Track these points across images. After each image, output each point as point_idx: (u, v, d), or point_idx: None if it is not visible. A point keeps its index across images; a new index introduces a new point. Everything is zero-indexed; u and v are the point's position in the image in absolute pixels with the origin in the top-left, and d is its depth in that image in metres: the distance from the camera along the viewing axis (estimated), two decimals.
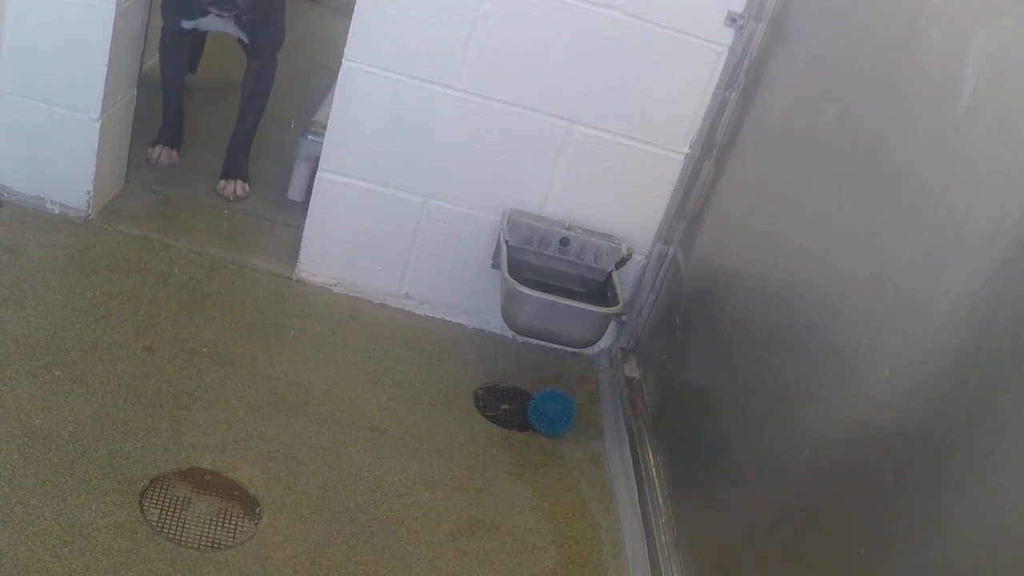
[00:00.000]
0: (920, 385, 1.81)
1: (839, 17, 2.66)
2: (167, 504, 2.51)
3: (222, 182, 3.95)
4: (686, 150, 3.36)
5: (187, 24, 3.82)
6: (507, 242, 3.38)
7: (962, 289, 1.76)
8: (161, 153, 4.02)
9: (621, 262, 3.45)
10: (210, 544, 2.45)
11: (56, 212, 3.48)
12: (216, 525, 2.51)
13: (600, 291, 3.45)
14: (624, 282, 3.49)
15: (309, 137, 3.91)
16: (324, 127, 3.44)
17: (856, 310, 2.07)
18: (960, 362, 1.72)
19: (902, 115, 2.12)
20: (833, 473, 2.02)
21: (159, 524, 2.45)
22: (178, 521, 2.48)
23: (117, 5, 3.21)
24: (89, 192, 3.44)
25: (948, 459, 1.67)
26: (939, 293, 1.81)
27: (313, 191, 3.48)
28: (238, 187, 3.96)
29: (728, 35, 3.21)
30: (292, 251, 3.60)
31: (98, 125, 3.35)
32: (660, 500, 2.81)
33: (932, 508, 1.67)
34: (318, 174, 3.44)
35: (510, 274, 3.20)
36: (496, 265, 3.49)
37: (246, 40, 3.90)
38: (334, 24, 6.01)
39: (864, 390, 1.97)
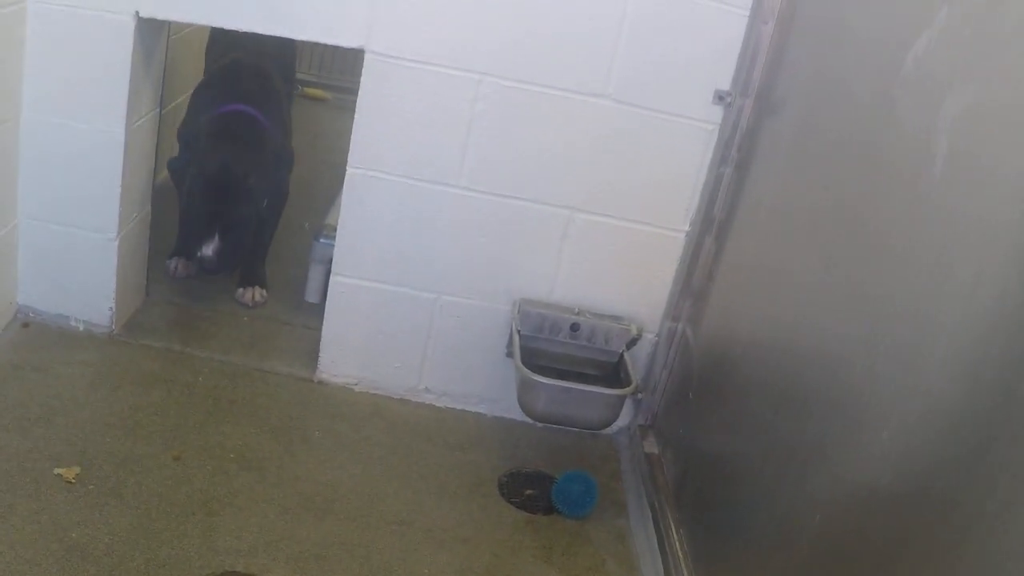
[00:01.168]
0: (917, 443, 1.85)
1: (821, 88, 2.74)
2: None
3: (240, 289, 4.06)
4: (686, 228, 3.44)
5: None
6: (519, 331, 3.45)
7: (948, 344, 1.81)
8: (178, 265, 4.13)
9: (632, 342, 3.52)
10: None
11: (81, 329, 3.58)
12: None
13: (613, 372, 3.51)
14: (637, 360, 3.55)
15: (322, 240, 4.00)
16: (335, 229, 3.54)
17: (853, 372, 2.13)
18: (951, 417, 1.77)
19: (883, 180, 2.19)
20: (844, 536, 2.06)
21: None
22: None
23: (127, 128, 3.33)
24: (111, 308, 3.55)
25: (945, 517, 1.71)
26: (927, 350, 1.87)
27: (328, 294, 3.58)
28: (256, 293, 4.07)
29: (717, 113, 3.30)
30: (312, 353, 3.68)
31: (116, 244, 3.46)
32: (684, 572, 2.85)
33: (935, 566, 1.71)
34: (332, 277, 3.54)
35: (524, 362, 3.27)
36: (510, 354, 3.56)
37: None
38: (342, 121, 6.09)
39: (867, 452, 2.01)
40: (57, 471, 2.88)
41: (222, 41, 4.46)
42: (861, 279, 2.19)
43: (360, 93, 3.28)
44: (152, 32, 3.38)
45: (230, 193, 3.75)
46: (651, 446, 3.48)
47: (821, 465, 2.20)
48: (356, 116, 3.31)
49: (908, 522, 1.82)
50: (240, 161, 3.78)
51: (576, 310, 3.51)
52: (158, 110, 3.64)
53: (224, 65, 4.21)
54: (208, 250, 3.71)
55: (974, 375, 1.72)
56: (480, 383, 3.67)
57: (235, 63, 4.19)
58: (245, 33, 3.30)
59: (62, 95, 3.28)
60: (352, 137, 3.34)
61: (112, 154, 3.34)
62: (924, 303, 1.92)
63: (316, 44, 3.34)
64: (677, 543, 2.96)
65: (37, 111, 3.29)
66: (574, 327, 3.49)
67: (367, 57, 3.24)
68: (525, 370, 3.22)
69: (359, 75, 3.27)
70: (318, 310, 3.81)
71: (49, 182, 3.39)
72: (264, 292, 4.10)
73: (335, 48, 3.35)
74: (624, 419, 3.63)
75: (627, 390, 3.30)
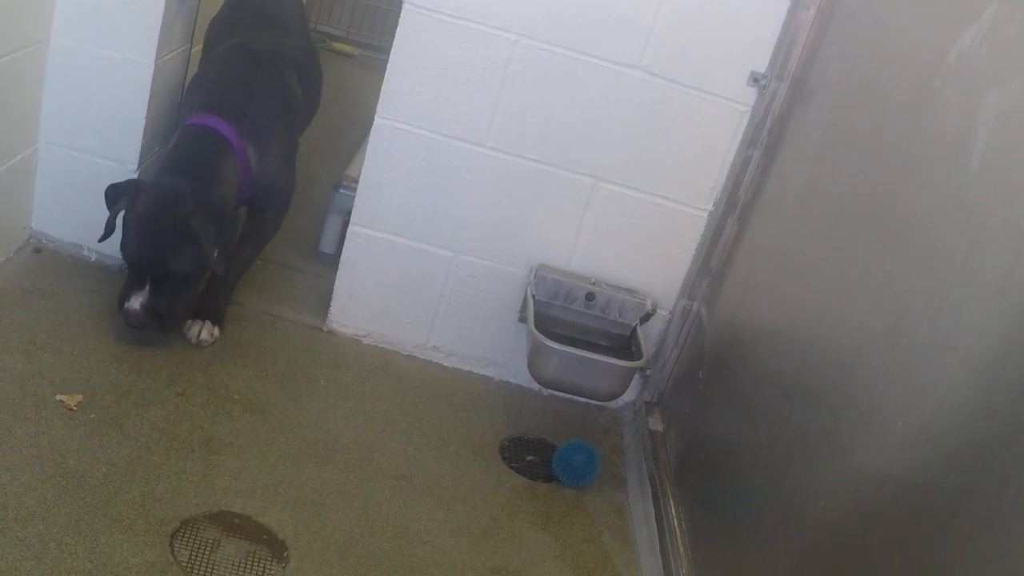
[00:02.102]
0: (932, 437, 1.84)
1: (857, 77, 2.72)
2: (197, 546, 2.57)
3: (189, 321, 3.37)
4: (710, 207, 3.42)
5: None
6: (534, 296, 3.44)
7: (971, 344, 1.80)
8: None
9: (646, 317, 3.50)
10: None
11: (93, 259, 3.57)
12: (244, 568, 2.56)
13: (625, 345, 3.50)
14: (648, 336, 3.54)
15: (341, 191, 3.98)
16: (356, 181, 3.52)
17: (871, 364, 2.11)
18: (969, 414, 1.76)
19: (915, 173, 2.18)
20: (849, 523, 2.05)
21: (189, 565, 2.50)
22: (207, 563, 2.53)
23: (156, 59, 3.31)
24: None
25: (958, 510, 1.70)
26: (949, 348, 1.86)
27: (345, 244, 3.56)
28: (204, 330, 3.37)
29: (751, 95, 3.28)
30: (323, 302, 3.67)
31: (136, 176, 3.44)
32: (681, 551, 2.84)
33: (943, 558, 1.70)
34: (350, 227, 3.52)
35: (536, 328, 3.25)
36: (523, 319, 3.55)
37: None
38: (367, 80, 6.09)
39: (878, 442, 2.01)
40: (59, 397, 2.87)
41: (229, 18, 3.98)
42: (885, 271, 2.17)
43: (395, 44, 3.26)
44: None
45: (165, 237, 3.13)
46: (656, 423, 3.47)
47: (829, 453, 2.19)
48: (388, 67, 3.29)
49: (917, 513, 1.81)
50: (183, 197, 3.15)
51: (592, 280, 3.50)
52: (188, 45, 3.61)
53: (220, 55, 3.67)
54: (135, 303, 3.12)
55: (995, 373, 1.70)
56: (489, 346, 3.65)
57: (236, 53, 3.65)
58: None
59: (93, 21, 3.26)
60: (383, 87, 3.31)
61: (139, 85, 3.32)
62: (949, 300, 1.90)
63: None
64: (676, 521, 2.96)
65: (67, 36, 3.27)
66: (589, 297, 3.47)
67: (405, 7, 3.22)
68: (538, 334, 3.20)
69: (387, 33, 3.25)
70: (332, 260, 3.79)
71: (73, 108, 3.37)
72: (216, 331, 3.40)
73: (365, 4, 3.30)
74: (630, 394, 3.62)
75: (638, 363, 3.29)
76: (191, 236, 3.13)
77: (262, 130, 3.46)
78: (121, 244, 3.19)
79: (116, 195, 3.22)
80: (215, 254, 3.17)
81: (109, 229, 3.22)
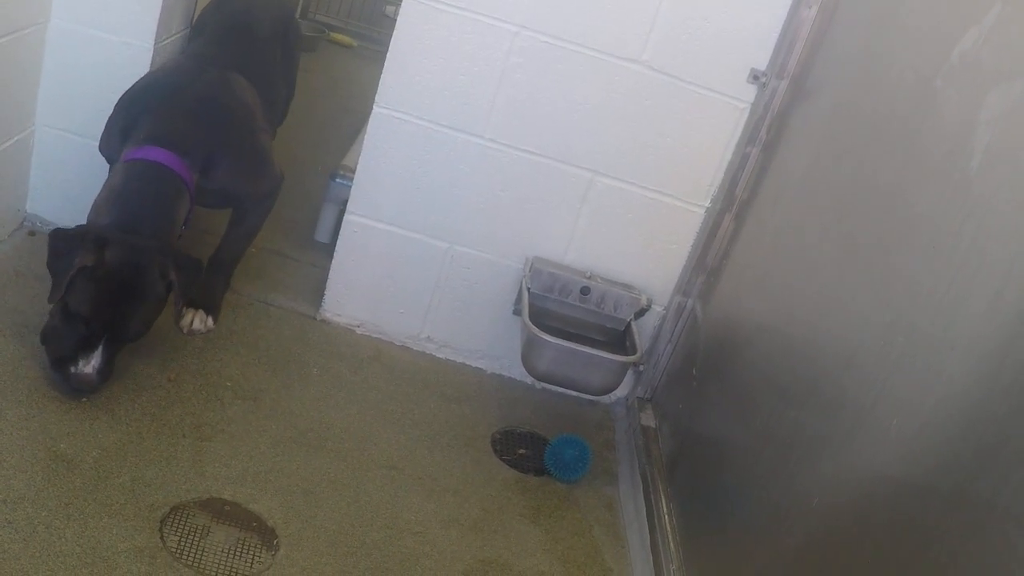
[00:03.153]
0: (927, 437, 1.84)
1: (858, 77, 2.72)
2: (187, 532, 2.56)
3: (183, 308, 3.28)
4: (707, 204, 3.42)
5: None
6: (529, 289, 3.43)
7: (968, 343, 1.80)
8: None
9: (640, 312, 3.50)
10: (228, 573, 2.49)
11: None
12: (234, 555, 2.55)
13: (619, 340, 3.49)
14: (643, 332, 3.53)
15: (338, 180, 3.97)
16: (352, 171, 3.51)
17: (866, 363, 2.11)
18: (965, 414, 1.75)
19: (916, 173, 2.17)
20: (842, 521, 2.05)
21: (178, 551, 2.49)
22: (197, 549, 2.52)
23: (155, 43, 3.30)
24: None
25: (953, 509, 1.70)
26: (946, 347, 1.86)
27: (340, 233, 3.55)
28: (197, 319, 3.32)
29: (751, 92, 3.27)
30: (317, 291, 3.66)
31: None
32: (672, 547, 2.84)
33: (937, 558, 1.70)
34: (345, 216, 3.51)
35: (531, 321, 3.25)
36: (517, 312, 3.54)
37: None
38: (364, 70, 6.10)
39: (872, 440, 2.00)
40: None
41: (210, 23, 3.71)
42: (883, 270, 2.17)
43: (395, 33, 3.25)
44: None
45: (134, 296, 2.87)
46: (648, 419, 3.46)
47: (823, 451, 2.19)
48: (388, 56, 3.28)
49: (910, 513, 1.81)
50: (150, 251, 2.89)
51: (588, 274, 3.49)
52: (187, 30, 3.60)
53: (155, 73, 3.34)
54: (86, 367, 2.82)
55: (995, 369, 1.70)
56: (483, 338, 3.65)
57: (173, 69, 3.35)
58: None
59: (93, 4, 3.25)
60: (382, 76, 3.30)
61: (138, 69, 3.31)
62: (947, 299, 1.89)
63: None
64: (666, 516, 2.95)
65: (66, 18, 3.26)
66: (584, 291, 3.47)
67: None
68: (533, 327, 3.20)
69: (386, 24, 3.24)
70: (327, 250, 3.79)
71: (71, 91, 3.36)
72: (210, 320, 3.35)
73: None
74: (623, 389, 3.61)
75: (632, 358, 3.29)
76: (161, 293, 2.92)
77: (211, 151, 3.16)
78: (72, 300, 2.83)
79: (69, 247, 2.84)
80: (180, 304, 3.01)
81: (60, 290, 2.81)
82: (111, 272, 2.82)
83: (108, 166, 3.22)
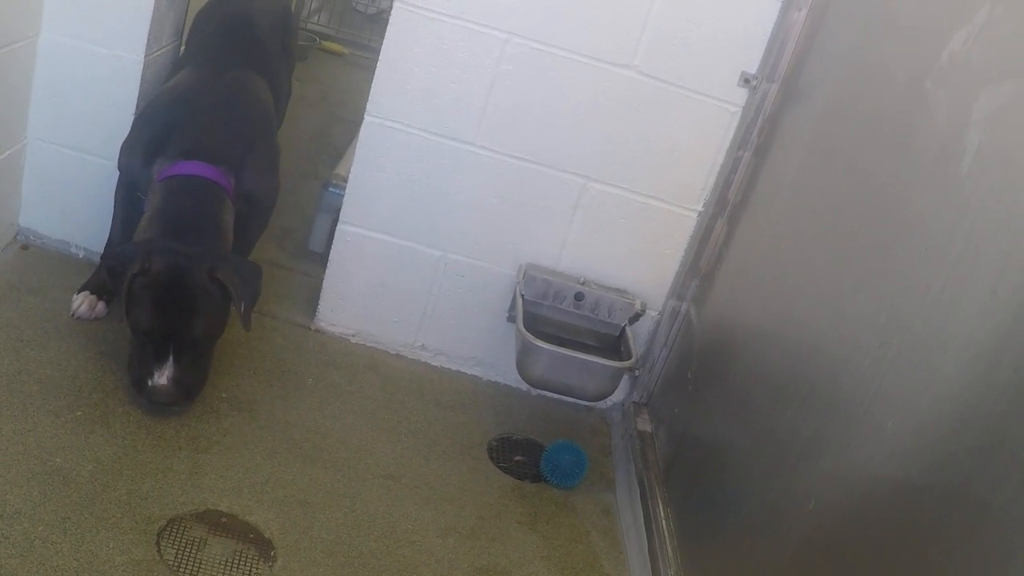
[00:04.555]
0: (922, 438, 1.84)
1: (849, 78, 2.72)
2: (183, 544, 2.55)
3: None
4: (699, 208, 3.42)
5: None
6: (523, 296, 3.43)
7: (963, 345, 1.80)
8: (83, 303, 3.29)
9: (635, 317, 3.50)
10: None
11: (81, 256, 3.55)
12: (231, 567, 2.54)
13: (614, 345, 3.49)
14: (637, 337, 3.53)
15: (330, 189, 3.97)
16: (345, 180, 3.51)
17: (861, 365, 2.11)
18: (961, 415, 1.75)
19: (907, 175, 2.18)
20: (838, 524, 2.05)
21: (175, 564, 2.49)
22: (194, 561, 2.51)
23: (145, 56, 3.29)
24: None
25: (949, 511, 1.70)
26: (941, 349, 1.86)
27: (333, 243, 3.55)
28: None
29: (742, 95, 3.28)
30: (311, 301, 3.66)
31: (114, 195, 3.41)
32: (670, 552, 2.84)
33: (933, 560, 1.70)
34: (339, 226, 3.51)
35: (525, 328, 3.25)
36: (512, 318, 3.54)
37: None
38: (356, 78, 6.11)
39: (868, 443, 2.00)
40: None
41: (205, 28, 3.68)
42: (879, 268, 2.17)
43: (385, 42, 3.25)
44: None
45: (189, 300, 2.89)
46: (644, 424, 3.46)
47: (819, 453, 2.19)
48: (379, 65, 3.28)
49: (906, 514, 1.81)
50: (200, 255, 2.91)
51: (582, 280, 3.49)
52: (177, 42, 3.60)
53: (179, 85, 3.34)
54: (162, 378, 2.89)
55: (990, 370, 1.70)
56: (478, 346, 3.64)
57: (196, 78, 3.35)
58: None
59: (83, 17, 3.24)
60: (373, 85, 3.30)
61: (128, 81, 3.31)
62: (941, 301, 1.90)
63: None
64: (664, 521, 2.95)
65: (56, 31, 3.25)
66: (578, 296, 3.47)
67: (395, 5, 3.21)
68: (527, 334, 3.20)
69: (377, 32, 3.24)
70: (320, 259, 3.79)
71: (62, 104, 3.36)
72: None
73: (355, 4, 3.28)
74: (619, 395, 3.61)
75: (627, 363, 3.28)
76: (216, 295, 2.91)
77: (241, 154, 3.20)
78: (132, 316, 2.89)
79: (123, 262, 2.88)
80: (243, 307, 2.95)
81: (123, 305, 2.88)
82: (158, 279, 2.85)
83: (102, 182, 3.22)
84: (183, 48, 3.71)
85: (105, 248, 3.37)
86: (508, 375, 3.64)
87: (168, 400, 2.91)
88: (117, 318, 3.24)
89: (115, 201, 3.34)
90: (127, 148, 3.23)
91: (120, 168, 3.27)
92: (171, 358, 2.89)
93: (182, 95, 3.27)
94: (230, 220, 3.13)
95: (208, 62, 3.42)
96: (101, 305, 3.30)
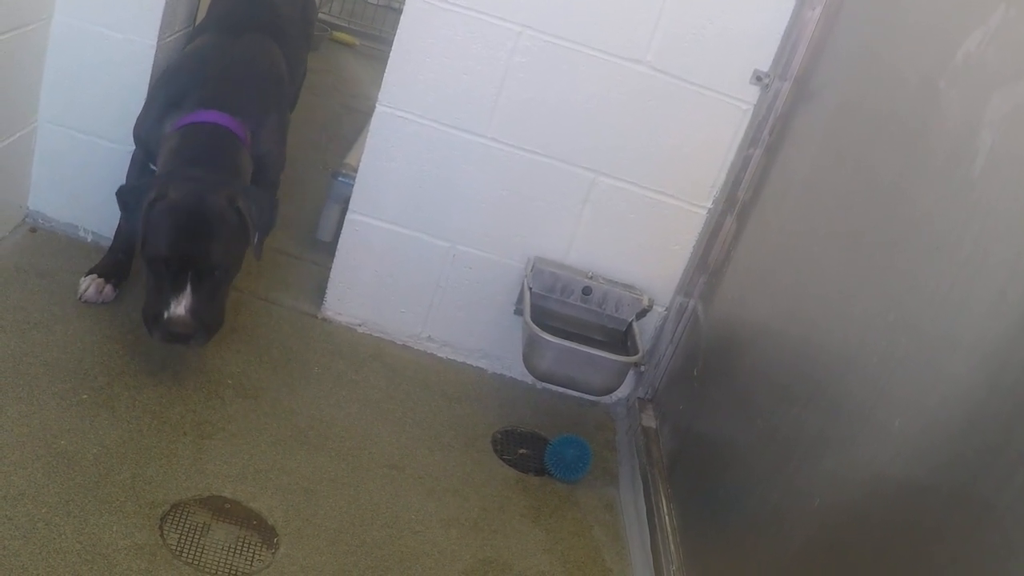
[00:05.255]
0: (929, 437, 1.84)
1: (862, 78, 2.71)
2: (187, 529, 2.55)
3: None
4: (709, 205, 3.42)
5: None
6: (531, 289, 3.43)
7: (972, 343, 1.79)
8: (90, 286, 3.27)
9: (642, 313, 3.50)
10: (228, 571, 2.49)
11: (89, 240, 3.55)
12: (234, 552, 2.54)
13: (620, 340, 3.49)
14: (644, 332, 3.53)
15: (340, 179, 3.97)
16: (355, 169, 3.51)
17: (870, 362, 2.11)
18: (968, 414, 1.75)
19: (919, 174, 2.17)
20: (844, 522, 2.04)
21: (178, 548, 2.49)
22: (197, 546, 2.52)
23: (158, 40, 3.29)
24: None
25: (954, 510, 1.70)
26: (949, 347, 1.85)
27: (342, 232, 3.55)
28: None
29: (753, 93, 3.27)
30: (319, 290, 3.66)
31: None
32: (672, 548, 2.84)
33: (939, 559, 1.70)
34: (348, 215, 3.51)
35: (532, 321, 3.25)
36: (519, 311, 3.54)
37: None
38: (367, 69, 6.11)
39: (874, 441, 2.00)
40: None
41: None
42: (888, 268, 2.17)
43: (398, 32, 3.24)
44: None
45: (208, 226, 2.86)
46: (649, 419, 3.46)
47: (825, 451, 2.19)
48: (391, 55, 3.27)
49: (912, 513, 1.81)
50: (219, 183, 2.93)
51: (590, 274, 3.49)
52: (191, 27, 3.59)
53: (203, 45, 3.38)
54: (179, 308, 2.83)
55: (998, 370, 1.70)
56: (484, 338, 3.64)
57: (219, 38, 3.39)
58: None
59: (96, 1, 3.24)
60: (385, 75, 3.30)
61: (140, 66, 3.30)
62: (953, 295, 1.89)
63: None
64: (667, 517, 2.95)
65: (69, 14, 3.25)
66: (586, 291, 3.47)
67: None
68: (534, 327, 3.20)
69: (388, 23, 3.23)
70: (329, 248, 3.78)
71: (73, 88, 3.35)
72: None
73: None
74: (624, 390, 3.61)
75: (633, 358, 3.28)
76: (234, 221, 2.89)
77: (257, 114, 3.23)
78: (148, 245, 2.86)
79: (136, 194, 2.90)
80: (256, 239, 2.95)
81: (139, 236, 2.88)
82: (177, 204, 2.83)
83: (112, 166, 3.21)
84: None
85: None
86: (514, 368, 3.64)
87: (185, 330, 2.84)
88: (125, 303, 3.25)
89: (128, 175, 3.34)
90: (143, 114, 3.24)
91: (136, 135, 3.25)
92: (188, 288, 2.84)
93: (200, 56, 3.31)
94: (248, 167, 3.12)
95: (227, 28, 3.44)
96: (109, 288, 3.28)
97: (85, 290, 3.25)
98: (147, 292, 2.93)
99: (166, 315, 2.83)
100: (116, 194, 2.99)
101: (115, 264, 3.34)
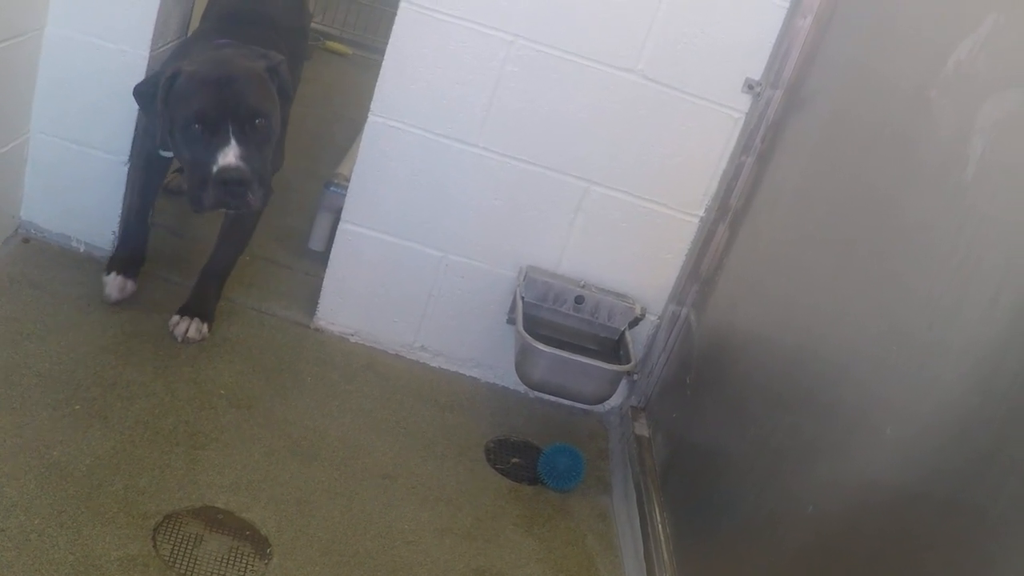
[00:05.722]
0: (922, 444, 1.84)
1: (853, 86, 2.72)
2: (180, 540, 2.55)
3: (175, 317, 3.30)
4: (701, 213, 3.42)
5: (166, 153, 3.20)
6: (523, 298, 3.43)
7: (964, 351, 1.80)
8: (111, 287, 3.32)
9: (634, 322, 3.50)
10: None
11: (81, 251, 3.55)
12: (227, 563, 2.54)
13: (613, 349, 3.49)
14: (637, 341, 3.53)
15: (332, 188, 3.96)
16: (347, 179, 3.51)
17: (862, 369, 2.11)
18: (961, 421, 1.75)
19: (911, 182, 2.17)
20: (837, 530, 2.04)
21: (171, 559, 2.48)
22: (190, 558, 2.51)
23: (151, 51, 3.29)
24: (115, 232, 3.51)
25: (947, 516, 1.70)
26: (942, 353, 1.86)
27: (334, 242, 3.55)
28: (192, 328, 3.28)
29: (745, 101, 3.28)
30: (311, 300, 3.66)
31: (127, 168, 3.43)
32: (665, 556, 2.83)
33: (931, 567, 1.70)
34: (340, 225, 3.51)
35: (525, 330, 3.25)
36: (511, 321, 3.54)
37: None
38: (360, 78, 6.08)
39: (867, 448, 2.00)
40: None
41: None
42: (880, 275, 2.17)
43: (391, 41, 3.25)
44: None
45: (247, 78, 2.88)
46: (642, 428, 3.46)
47: (817, 459, 2.19)
48: (384, 64, 3.27)
49: (905, 521, 1.81)
50: (242, 54, 2.98)
51: (582, 283, 3.49)
52: (184, 38, 3.59)
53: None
54: (229, 157, 2.79)
55: (990, 376, 1.70)
56: (477, 347, 3.64)
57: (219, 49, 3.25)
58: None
59: (89, 11, 3.24)
60: (377, 85, 3.30)
61: (134, 76, 3.28)
62: (945, 302, 1.90)
63: None
64: (660, 526, 2.95)
65: (62, 25, 3.25)
66: (578, 300, 3.47)
67: (402, 5, 3.21)
68: (527, 336, 3.20)
69: (381, 33, 3.23)
70: (321, 258, 3.78)
71: (66, 98, 3.35)
72: (204, 328, 3.32)
73: (359, 4, 3.26)
74: (617, 399, 3.61)
75: (626, 367, 3.28)
76: (263, 75, 2.92)
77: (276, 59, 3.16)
78: (178, 114, 2.85)
79: (153, 81, 2.93)
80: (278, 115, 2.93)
81: (165, 118, 2.89)
82: (198, 69, 2.84)
83: (105, 177, 3.22)
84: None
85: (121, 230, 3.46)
86: (507, 377, 3.64)
87: (240, 176, 2.81)
88: (119, 315, 3.25)
89: (131, 166, 3.40)
90: (151, 80, 3.08)
91: (142, 107, 3.13)
92: (232, 140, 2.81)
93: (210, 29, 3.34)
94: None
95: (226, 21, 3.46)
96: (130, 284, 3.34)
97: (109, 291, 3.29)
98: (188, 172, 2.90)
99: (215, 169, 2.78)
100: (133, 92, 3.03)
101: (130, 255, 3.38)
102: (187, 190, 2.94)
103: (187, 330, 3.28)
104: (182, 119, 2.85)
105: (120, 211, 3.49)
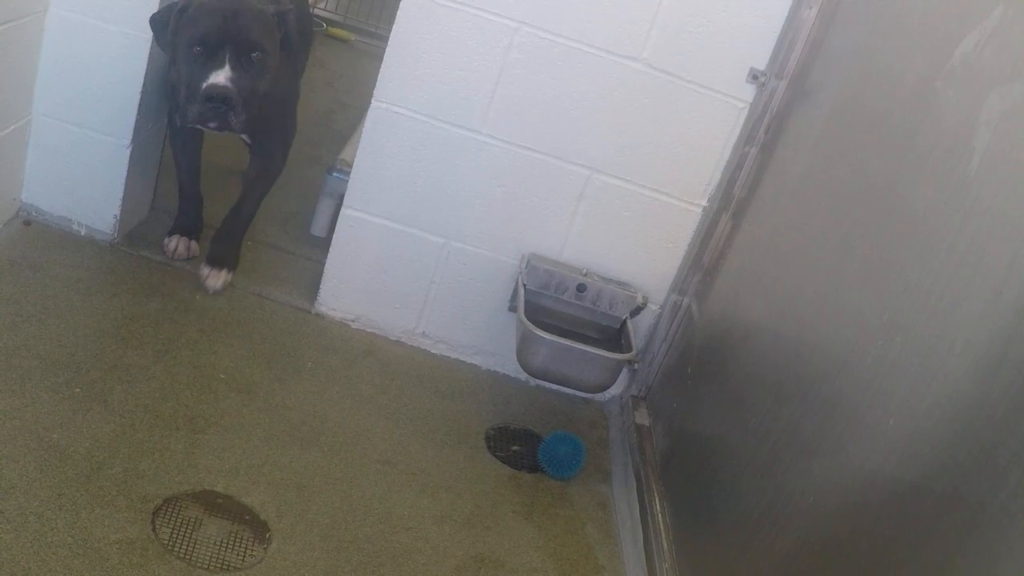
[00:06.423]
0: (923, 437, 1.84)
1: (858, 77, 2.71)
2: (179, 524, 2.55)
3: (206, 269, 3.52)
4: (704, 203, 3.41)
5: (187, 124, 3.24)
6: (525, 286, 3.42)
7: (967, 343, 1.79)
8: (178, 245, 3.60)
9: (636, 310, 3.49)
10: (220, 566, 2.48)
11: (83, 234, 3.54)
12: (226, 547, 2.54)
13: (614, 338, 3.49)
14: (638, 330, 3.53)
15: (335, 174, 3.96)
16: (350, 165, 3.50)
17: (864, 362, 2.11)
18: (963, 413, 1.75)
19: (915, 173, 2.17)
20: (837, 520, 2.04)
21: (170, 543, 2.48)
22: (189, 541, 2.51)
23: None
24: (116, 216, 3.51)
25: (948, 510, 1.70)
26: (945, 346, 1.85)
27: (336, 227, 3.54)
28: (221, 278, 3.51)
29: (749, 92, 3.27)
30: (312, 285, 3.65)
31: (129, 151, 3.42)
32: (664, 545, 2.84)
33: (932, 557, 1.70)
34: (342, 211, 3.50)
35: (527, 318, 3.24)
36: (513, 308, 3.54)
37: (248, 141, 3.56)
38: (362, 65, 6.09)
39: (869, 440, 2.00)
40: None
41: None
42: (883, 267, 2.17)
43: (395, 27, 3.24)
44: None
45: (248, 13, 3.02)
46: (642, 417, 3.46)
47: (819, 450, 2.19)
48: (387, 50, 3.27)
49: (906, 512, 1.81)
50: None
51: (584, 271, 3.49)
52: None
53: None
54: (219, 77, 2.93)
55: (992, 370, 1.70)
56: (478, 334, 3.64)
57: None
58: None
59: None
60: (381, 70, 3.29)
61: (136, 59, 3.29)
62: (948, 295, 1.89)
63: None
64: (660, 515, 2.95)
65: (65, 7, 3.24)
66: (580, 288, 3.46)
67: None
68: (528, 323, 3.19)
69: (384, 19, 3.22)
70: (323, 244, 3.78)
71: (69, 81, 3.34)
72: (230, 277, 3.56)
73: None
74: (618, 387, 3.61)
75: (627, 356, 3.28)
76: (269, 15, 3.06)
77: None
78: (182, 37, 2.99)
79: (166, 14, 3.06)
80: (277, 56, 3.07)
81: (177, 45, 3.02)
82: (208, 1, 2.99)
83: (106, 159, 3.21)
84: None
85: (179, 212, 3.65)
86: (508, 365, 3.64)
87: (224, 93, 2.94)
88: (120, 297, 3.25)
89: (172, 146, 3.55)
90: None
91: (156, 35, 3.19)
92: (227, 64, 2.95)
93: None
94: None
95: None
96: (194, 244, 3.61)
97: (175, 248, 3.57)
98: (182, 89, 3.03)
99: (203, 86, 2.90)
100: (150, 21, 3.14)
101: (191, 222, 3.64)
102: (179, 105, 3.09)
103: (218, 282, 3.50)
104: (186, 42, 2.99)
105: (124, 191, 3.48)
